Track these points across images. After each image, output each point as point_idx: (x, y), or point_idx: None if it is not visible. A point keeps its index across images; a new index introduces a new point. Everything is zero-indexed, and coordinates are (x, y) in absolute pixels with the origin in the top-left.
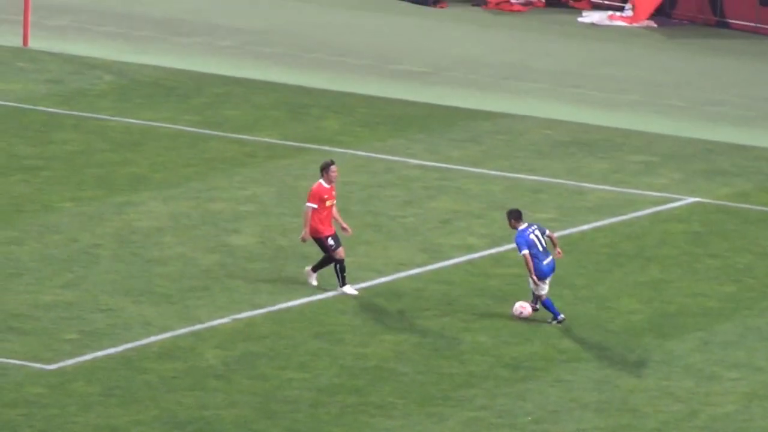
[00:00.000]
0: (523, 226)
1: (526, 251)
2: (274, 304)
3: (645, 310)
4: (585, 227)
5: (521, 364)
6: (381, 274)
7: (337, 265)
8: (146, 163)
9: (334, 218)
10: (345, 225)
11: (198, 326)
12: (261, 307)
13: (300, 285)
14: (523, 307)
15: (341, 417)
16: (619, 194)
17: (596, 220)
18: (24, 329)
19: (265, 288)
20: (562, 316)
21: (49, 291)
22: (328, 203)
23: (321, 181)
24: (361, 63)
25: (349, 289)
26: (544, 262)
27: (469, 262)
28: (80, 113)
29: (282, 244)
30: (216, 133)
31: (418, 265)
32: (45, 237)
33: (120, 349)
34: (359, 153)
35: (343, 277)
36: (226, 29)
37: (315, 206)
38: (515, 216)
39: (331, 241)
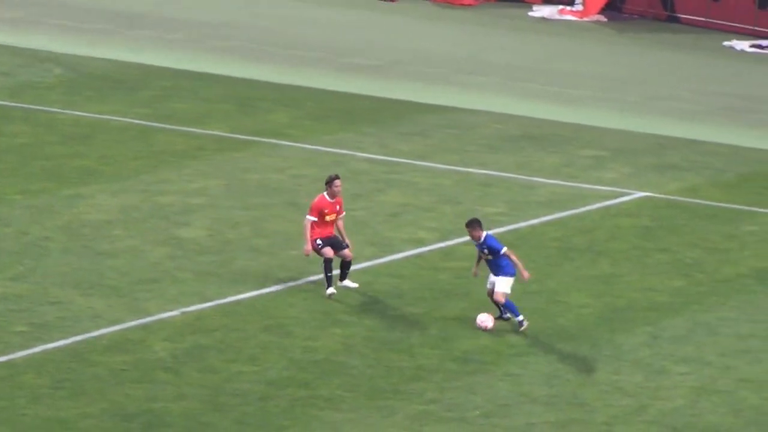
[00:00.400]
0: (485, 233)
1: (505, 248)
2: (223, 297)
3: (595, 304)
4: (535, 221)
5: (471, 358)
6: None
7: (323, 264)
8: (96, 155)
9: (338, 231)
10: (348, 241)
11: (147, 319)
12: (210, 299)
13: (249, 278)
14: (484, 322)
15: (290, 410)
16: (570, 188)
17: (546, 214)
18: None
19: (215, 281)
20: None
21: None
22: (327, 218)
23: (324, 194)
24: (312, 56)
25: (340, 286)
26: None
27: (419, 255)
28: (30, 106)
29: (231, 237)
30: (165, 126)
31: (368, 259)
32: None
33: (69, 341)
34: (308, 146)
35: (328, 278)
36: (176, 22)
37: (314, 219)
38: (478, 224)
39: (318, 241)
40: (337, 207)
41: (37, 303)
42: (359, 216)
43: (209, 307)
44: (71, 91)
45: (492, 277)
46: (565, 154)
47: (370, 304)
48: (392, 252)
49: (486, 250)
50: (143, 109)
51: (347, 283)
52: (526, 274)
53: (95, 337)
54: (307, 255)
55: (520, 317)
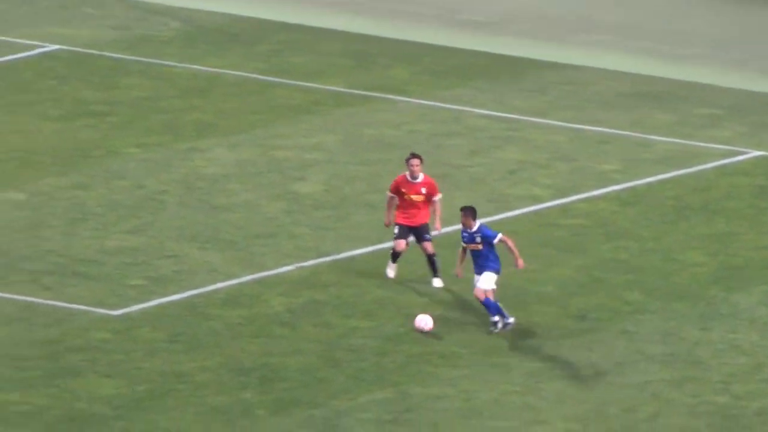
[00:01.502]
0: (479, 223)
1: (500, 234)
2: (339, 252)
3: (711, 262)
4: (651, 179)
5: (587, 315)
6: (447, 223)
7: (392, 255)
8: (212, 109)
9: (433, 216)
10: (436, 229)
11: (263, 273)
12: (326, 254)
13: (365, 233)
14: (423, 322)
15: (406, 366)
16: (685, 147)
17: (662, 173)
18: (89, 274)
19: (331, 236)
20: (511, 320)
21: (114, 237)
22: (406, 197)
23: (406, 172)
24: (429, 12)
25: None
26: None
27: (535, 212)
28: (146, 59)
29: (347, 192)
30: (282, 80)
31: (484, 215)
32: (111, 182)
33: (185, 295)
34: (425, 102)
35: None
36: None
37: (391, 195)
38: (473, 213)
39: (396, 229)
40: (423, 189)
41: (154, 257)
42: (476, 172)
43: (325, 262)
44: (188, 45)
45: (476, 277)
46: (680, 112)
47: None
48: (508, 209)
49: (478, 239)
50: (260, 63)
51: (434, 282)
52: (520, 262)
53: (211, 291)
54: (387, 227)
55: (496, 318)
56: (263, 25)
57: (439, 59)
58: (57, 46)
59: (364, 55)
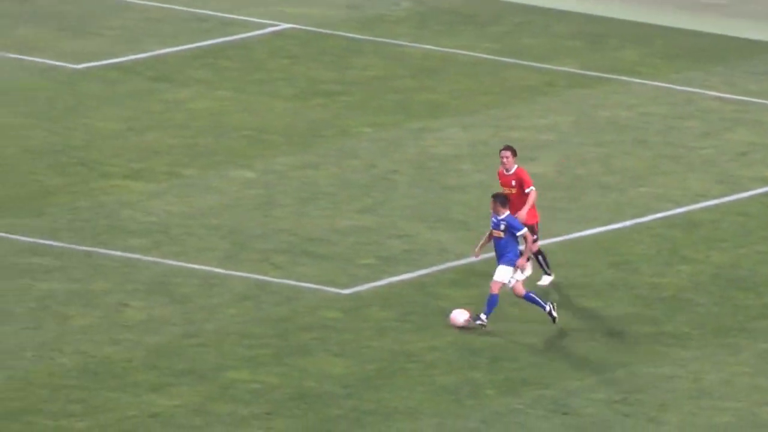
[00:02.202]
0: (507, 212)
1: (525, 229)
2: (570, 233)
3: None
4: None
5: None
6: (678, 204)
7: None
8: (445, 89)
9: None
10: (522, 215)
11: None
12: (557, 235)
13: (597, 214)
14: (456, 319)
15: (635, 346)
16: None
17: None
18: (320, 253)
19: (562, 216)
20: (551, 311)
21: (346, 216)
22: (505, 189)
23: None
24: None
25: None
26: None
27: (766, 194)
28: (379, 39)
29: (580, 173)
30: (515, 61)
31: (715, 197)
32: (343, 162)
33: (415, 274)
34: (657, 84)
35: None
36: None
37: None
38: (502, 201)
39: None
40: (513, 182)
41: (384, 236)
42: (707, 154)
43: (556, 242)
44: (420, 25)
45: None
46: None
47: (716, 241)
48: (740, 190)
49: (502, 226)
50: (493, 44)
51: (542, 279)
52: (521, 261)
53: (441, 271)
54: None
55: (483, 317)
56: (497, 6)
57: (671, 41)
58: (289, 25)
59: (596, 36)
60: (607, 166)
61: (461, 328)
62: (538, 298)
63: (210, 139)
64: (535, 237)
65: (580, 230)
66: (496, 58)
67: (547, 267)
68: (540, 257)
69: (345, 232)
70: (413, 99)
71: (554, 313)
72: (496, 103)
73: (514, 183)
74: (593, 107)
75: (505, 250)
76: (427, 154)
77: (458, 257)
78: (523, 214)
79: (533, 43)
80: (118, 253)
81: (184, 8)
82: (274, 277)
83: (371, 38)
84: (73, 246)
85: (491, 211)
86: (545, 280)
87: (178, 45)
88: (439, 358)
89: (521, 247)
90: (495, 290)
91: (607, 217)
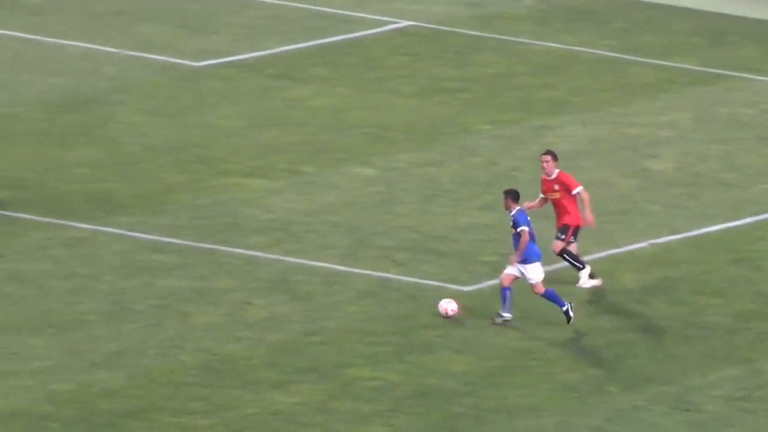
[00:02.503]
0: (519, 207)
1: (526, 228)
2: (691, 230)
3: None
4: None
5: None
6: None
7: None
8: (566, 87)
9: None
10: (588, 217)
11: (616, 250)
12: (679, 232)
13: (718, 211)
14: (446, 309)
15: (758, 343)
16: None
17: None
18: (441, 251)
19: (683, 213)
20: (566, 307)
21: (467, 213)
22: (549, 195)
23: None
24: None
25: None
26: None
27: None
28: (500, 36)
29: (700, 170)
30: (635, 58)
31: None
32: (464, 159)
33: None
34: None
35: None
36: None
37: (542, 196)
38: (513, 197)
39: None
40: (556, 186)
41: (506, 233)
42: None
43: (677, 239)
44: (542, 22)
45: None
46: None
47: None
48: None
49: (511, 223)
50: (613, 41)
51: (581, 279)
52: (513, 258)
53: (563, 268)
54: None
55: (566, 306)
56: (617, 3)
57: None
58: (409, 22)
59: (716, 33)
60: (728, 163)
61: (447, 318)
62: (555, 297)
63: (330, 136)
64: (571, 240)
65: (701, 227)
66: (617, 55)
67: (578, 262)
68: (566, 255)
69: (466, 229)
70: (534, 96)
71: (571, 314)
72: (616, 100)
73: (557, 187)
74: (713, 104)
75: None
76: None
77: (582, 254)
78: (588, 215)
79: (653, 40)
80: (239, 250)
81: (304, 6)
82: (395, 274)
83: (492, 35)
84: (194, 243)
85: (504, 207)
86: (583, 276)
87: (298, 43)
88: (561, 355)
89: (521, 243)
90: (542, 290)
91: (728, 214)
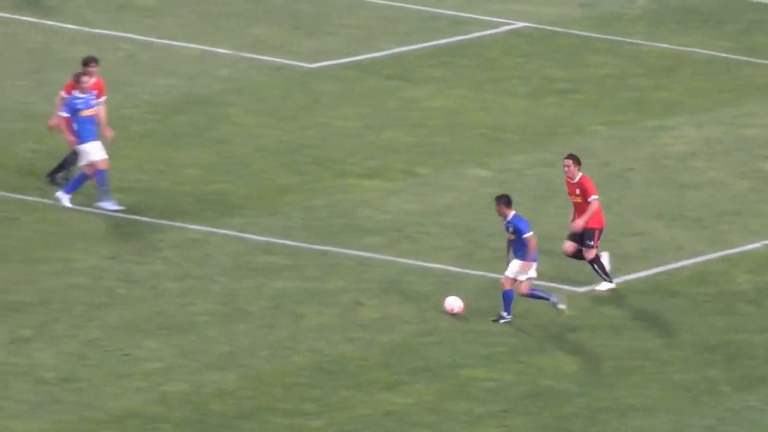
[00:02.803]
0: (513, 212)
1: (531, 234)
2: None
3: None
4: None
5: None
6: None
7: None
8: (680, 88)
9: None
10: (579, 223)
11: (729, 251)
12: None
13: None
14: (452, 307)
15: None
16: None
17: None
18: (556, 251)
19: None
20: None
21: None
22: (572, 198)
23: None
24: None
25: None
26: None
27: None
28: (614, 37)
29: None
30: (750, 59)
31: None
32: None
33: (651, 272)
34: None
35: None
36: None
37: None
38: (506, 202)
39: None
40: (577, 190)
41: (620, 234)
42: None
43: None
44: (656, 23)
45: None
46: None
47: None
48: None
49: (511, 229)
50: (728, 42)
51: (600, 285)
52: (525, 265)
53: (677, 269)
54: None
55: (504, 313)
56: (732, 4)
57: None
58: (523, 24)
59: None
60: None
61: (452, 314)
62: (541, 293)
63: (446, 137)
64: (592, 243)
65: None
66: (731, 56)
67: (605, 275)
68: (595, 265)
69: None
70: (648, 97)
71: (561, 306)
72: (730, 101)
73: (578, 192)
74: None
75: (517, 253)
76: (662, 152)
77: (694, 254)
78: (580, 223)
79: None
80: (353, 251)
81: (418, 7)
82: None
83: (606, 36)
84: (307, 245)
85: (497, 213)
86: (603, 286)
87: (413, 44)
88: (675, 355)
89: (529, 249)
90: (525, 289)
91: None
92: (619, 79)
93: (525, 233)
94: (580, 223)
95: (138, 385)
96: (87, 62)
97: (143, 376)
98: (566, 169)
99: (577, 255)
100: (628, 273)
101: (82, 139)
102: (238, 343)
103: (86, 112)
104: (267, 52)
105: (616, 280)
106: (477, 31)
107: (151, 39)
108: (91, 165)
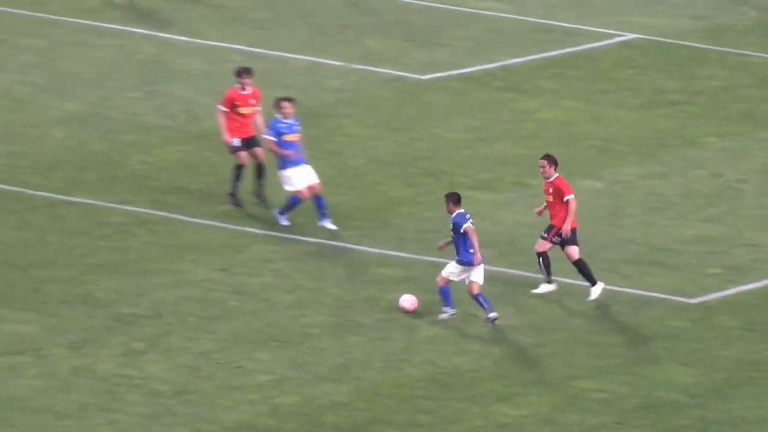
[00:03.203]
0: (460, 210)
1: (470, 226)
2: None
3: None
4: None
5: None
6: None
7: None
8: None
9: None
10: (565, 225)
11: None
12: None
13: None
14: (406, 302)
15: None
16: None
17: None
18: (667, 263)
19: None
20: (451, 310)
21: (692, 225)
22: (546, 197)
23: None
24: None
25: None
26: (470, 251)
27: None
28: (725, 48)
29: None
30: None
31: None
32: (688, 171)
33: (762, 284)
34: None
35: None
36: None
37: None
38: (454, 200)
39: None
40: (550, 189)
41: (731, 245)
42: None
43: None
44: (766, 35)
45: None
46: None
47: None
48: None
49: (451, 226)
50: None
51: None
52: (477, 256)
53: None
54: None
55: (447, 308)
56: None
57: None
58: (635, 35)
59: None
60: None
61: (407, 312)
62: (484, 302)
63: (559, 149)
64: (554, 241)
65: None
66: None
67: (548, 274)
68: (541, 260)
69: (691, 241)
70: (759, 108)
71: (494, 322)
72: None
73: (551, 191)
74: None
75: (457, 249)
76: None
77: None
78: (567, 226)
79: None
80: None
81: (529, 19)
82: (621, 286)
83: (716, 48)
84: (420, 257)
85: (446, 210)
86: (542, 288)
87: (525, 55)
88: None
89: (474, 242)
90: (441, 283)
91: None
92: (730, 90)
93: (460, 227)
94: (567, 228)
95: (250, 397)
96: (240, 73)
97: (256, 389)
98: (541, 169)
99: (572, 258)
100: (740, 284)
101: (285, 164)
102: (352, 355)
103: (289, 137)
104: (378, 63)
105: (727, 291)
106: (588, 43)
107: (262, 51)
108: (302, 191)
